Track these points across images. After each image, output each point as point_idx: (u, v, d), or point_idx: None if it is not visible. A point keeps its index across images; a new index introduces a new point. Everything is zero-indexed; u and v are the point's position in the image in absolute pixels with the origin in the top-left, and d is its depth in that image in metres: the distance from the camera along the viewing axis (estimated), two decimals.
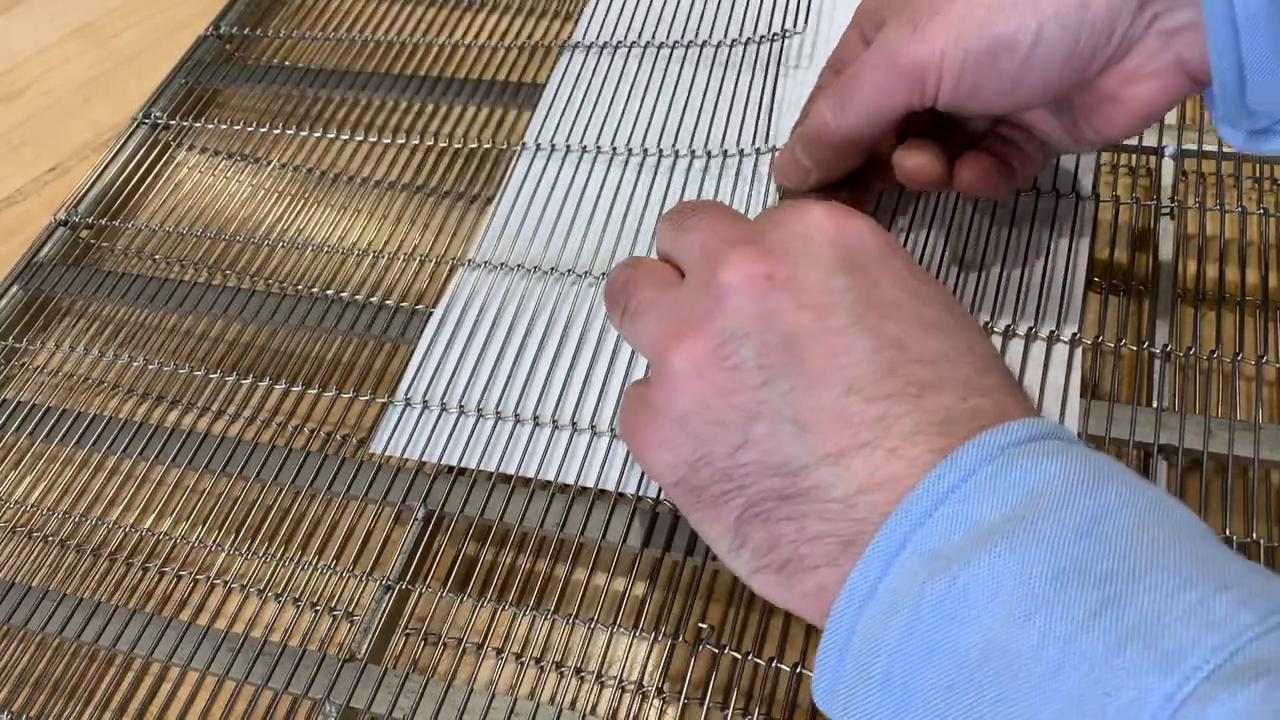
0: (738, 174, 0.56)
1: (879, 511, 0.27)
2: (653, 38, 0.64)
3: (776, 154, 0.56)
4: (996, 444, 0.27)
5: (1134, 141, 0.53)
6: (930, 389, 0.29)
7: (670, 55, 0.63)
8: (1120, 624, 0.23)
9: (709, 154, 0.57)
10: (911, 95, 0.37)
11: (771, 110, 0.58)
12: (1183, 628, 0.23)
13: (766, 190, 0.54)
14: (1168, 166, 0.52)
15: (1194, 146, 0.53)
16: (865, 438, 0.28)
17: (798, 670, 0.41)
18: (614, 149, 0.59)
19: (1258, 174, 0.53)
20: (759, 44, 0.62)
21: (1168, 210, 0.51)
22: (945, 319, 0.31)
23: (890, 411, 0.28)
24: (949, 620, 0.25)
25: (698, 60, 0.62)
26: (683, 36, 0.64)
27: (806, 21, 0.62)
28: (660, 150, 0.58)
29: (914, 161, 0.41)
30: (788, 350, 0.30)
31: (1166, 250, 0.49)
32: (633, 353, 0.50)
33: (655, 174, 0.57)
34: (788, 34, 0.61)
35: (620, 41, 0.65)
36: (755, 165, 0.56)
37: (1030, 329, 0.47)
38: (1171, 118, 0.54)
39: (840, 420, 0.29)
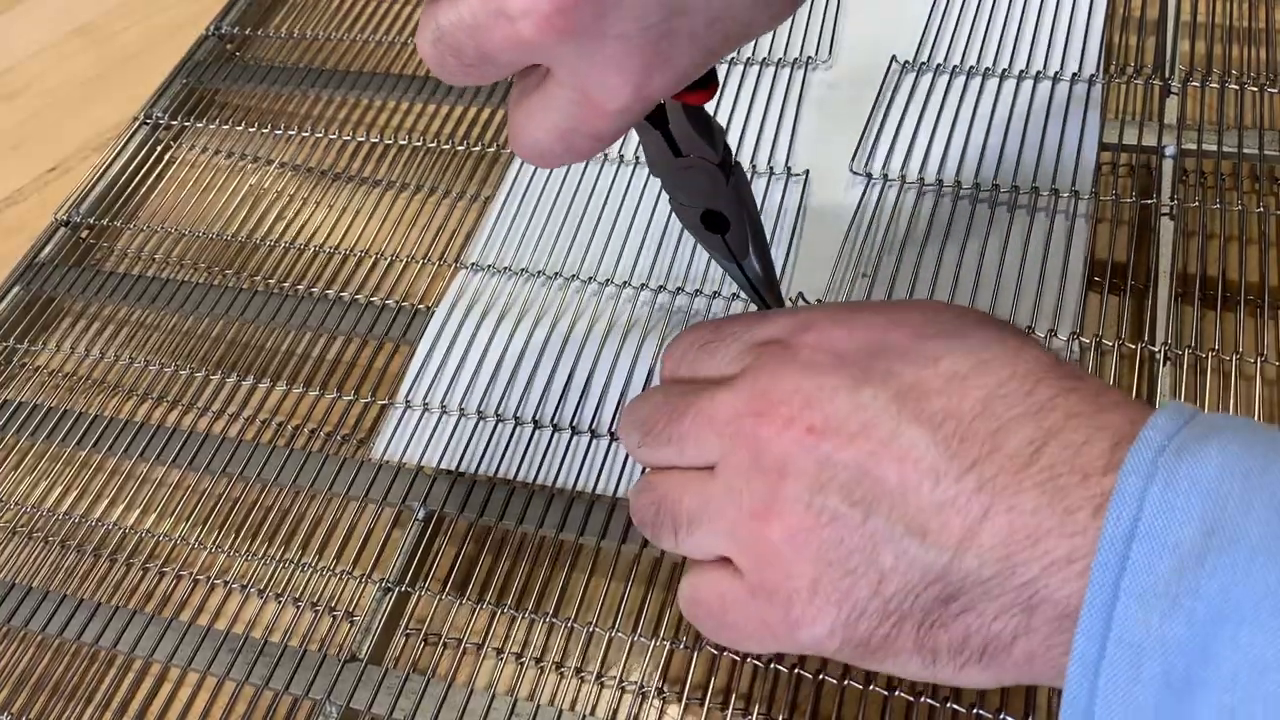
0: None
1: (1040, 565, 0.27)
2: None
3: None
4: (1144, 461, 0.26)
5: (1134, 141, 0.53)
6: (1001, 433, 0.29)
7: None
8: None
9: None
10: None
11: (776, 133, 0.58)
12: None
13: (760, 208, 0.54)
14: (1167, 166, 0.52)
15: (1194, 146, 0.53)
16: (977, 511, 0.28)
17: (795, 671, 0.41)
18: (620, 156, 0.59)
19: (1257, 173, 0.53)
20: (766, 66, 0.62)
21: (1167, 210, 0.50)
22: (962, 349, 0.31)
23: (983, 476, 0.28)
24: (1202, 654, 0.24)
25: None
26: None
27: (816, 48, 0.61)
28: None
29: None
30: (863, 479, 0.30)
31: (1166, 249, 0.49)
32: (633, 356, 0.50)
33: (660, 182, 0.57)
34: (811, 62, 0.60)
35: None
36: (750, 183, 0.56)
37: (1029, 327, 0.47)
38: (1172, 117, 0.54)
39: (947, 510, 0.29)
